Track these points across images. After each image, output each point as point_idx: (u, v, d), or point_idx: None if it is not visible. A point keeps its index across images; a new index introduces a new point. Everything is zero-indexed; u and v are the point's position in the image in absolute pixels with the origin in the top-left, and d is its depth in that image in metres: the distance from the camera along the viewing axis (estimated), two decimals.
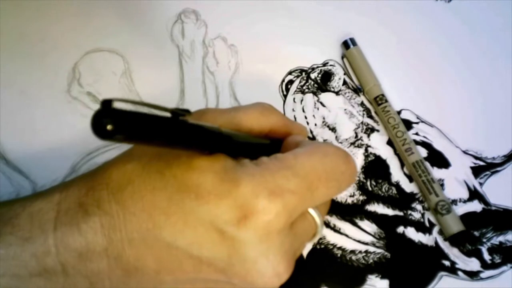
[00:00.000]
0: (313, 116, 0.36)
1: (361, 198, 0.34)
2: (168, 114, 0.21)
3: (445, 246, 0.32)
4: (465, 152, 0.35)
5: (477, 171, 0.34)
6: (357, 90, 0.37)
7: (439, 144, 0.35)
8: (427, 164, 0.34)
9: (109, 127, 0.17)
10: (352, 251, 0.32)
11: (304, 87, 0.37)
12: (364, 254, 0.32)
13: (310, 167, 0.25)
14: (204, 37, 0.39)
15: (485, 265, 0.32)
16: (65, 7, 0.39)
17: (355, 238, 0.33)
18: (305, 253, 0.32)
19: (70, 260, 0.24)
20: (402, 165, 0.34)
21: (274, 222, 0.23)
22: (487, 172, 0.34)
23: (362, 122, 0.36)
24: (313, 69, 0.37)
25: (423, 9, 0.39)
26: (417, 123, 0.36)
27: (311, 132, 0.36)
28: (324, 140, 0.35)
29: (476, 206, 0.33)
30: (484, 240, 0.32)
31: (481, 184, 0.34)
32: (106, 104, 0.18)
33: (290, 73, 0.37)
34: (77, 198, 0.24)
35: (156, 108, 0.21)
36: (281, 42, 0.38)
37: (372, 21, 0.39)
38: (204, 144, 0.23)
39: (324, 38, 0.38)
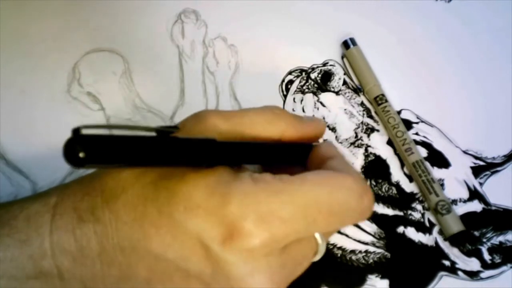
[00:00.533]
0: (313, 116, 0.36)
1: None
2: (153, 134, 0.21)
3: (445, 246, 0.32)
4: (465, 152, 0.35)
5: (477, 171, 0.34)
6: (357, 90, 0.37)
7: (439, 144, 0.35)
8: (427, 164, 0.34)
9: (81, 154, 0.17)
10: (352, 251, 0.32)
11: (304, 87, 0.37)
12: (364, 254, 0.32)
13: (313, 198, 0.23)
14: (204, 37, 0.39)
15: (485, 265, 0.32)
16: (65, 7, 0.39)
17: (355, 238, 0.33)
18: None
19: (65, 263, 0.24)
20: (402, 165, 0.34)
21: (258, 248, 0.22)
22: (487, 172, 0.34)
23: (362, 122, 0.36)
24: (313, 69, 0.37)
25: (423, 9, 0.39)
26: (417, 123, 0.36)
27: None
28: (324, 141, 0.35)
29: (476, 206, 0.33)
30: (484, 240, 0.32)
31: (481, 184, 0.34)
32: (76, 131, 0.18)
33: (290, 73, 0.37)
34: (73, 203, 0.24)
35: (140, 130, 0.20)
36: (281, 42, 0.38)
37: (372, 21, 0.39)
38: (196, 159, 0.22)
39: (324, 38, 0.38)
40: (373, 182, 0.34)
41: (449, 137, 0.35)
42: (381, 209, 0.33)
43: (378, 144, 0.35)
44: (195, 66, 0.38)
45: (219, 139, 0.23)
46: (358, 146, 0.35)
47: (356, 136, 0.35)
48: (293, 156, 0.28)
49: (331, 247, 0.32)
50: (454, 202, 0.33)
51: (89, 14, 0.39)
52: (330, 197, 0.24)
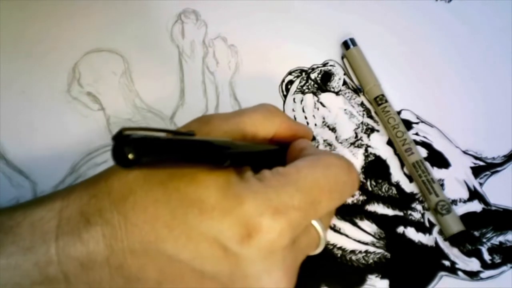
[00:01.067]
0: (313, 116, 0.36)
1: (361, 198, 0.34)
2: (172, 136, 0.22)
3: (445, 246, 0.32)
4: (465, 152, 0.35)
5: (477, 171, 0.34)
6: (357, 90, 0.37)
7: (439, 144, 0.35)
8: (427, 164, 0.34)
9: (130, 156, 0.18)
10: (352, 251, 0.32)
11: (304, 87, 0.37)
12: (364, 254, 0.32)
13: (313, 181, 0.25)
14: (204, 37, 0.39)
15: (485, 265, 0.32)
16: (65, 7, 0.39)
17: (355, 238, 0.33)
18: None
19: (72, 269, 0.23)
20: (402, 165, 0.34)
21: (278, 241, 0.23)
22: (487, 172, 0.34)
23: (362, 122, 0.36)
24: (313, 69, 0.37)
25: (423, 9, 0.39)
26: (417, 123, 0.36)
27: None
28: (324, 141, 0.35)
29: (476, 206, 0.33)
30: (484, 240, 0.32)
31: (481, 184, 0.34)
32: (123, 133, 0.18)
33: (290, 73, 0.37)
34: (79, 207, 0.24)
35: (161, 131, 0.21)
36: (281, 42, 0.38)
37: (372, 21, 0.39)
38: (214, 159, 0.23)
39: (324, 38, 0.38)
40: (373, 182, 0.34)
41: (449, 137, 0.35)
42: (381, 209, 0.33)
43: (378, 144, 0.35)
44: (195, 66, 0.38)
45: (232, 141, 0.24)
46: (358, 146, 0.35)
47: (356, 136, 0.35)
48: (280, 155, 0.29)
49: (331, 247, 0.33)
50: (454, 202, 0.33)
51: (89, 14, 0.39)
52: (325, 176, 0.25)
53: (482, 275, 0.32)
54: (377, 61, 0.37)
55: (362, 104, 0.36)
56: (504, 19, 0.39)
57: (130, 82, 0.37)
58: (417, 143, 0.35)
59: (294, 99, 0.37)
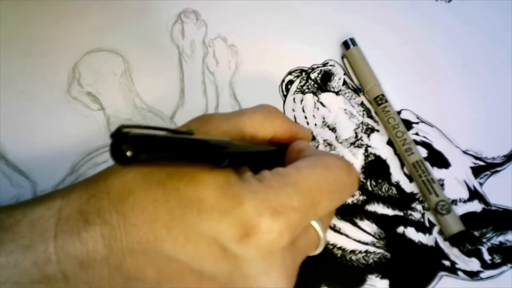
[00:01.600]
0: (313, 116, 0.36)
1: (361, 198, 0.34)
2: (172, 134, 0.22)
3: (445, 246, 0.32)
4: (465, 152, 0.35)
5: (477, 171, 0.34)
6: (357, 90, 0.37)
7: (439, 144, 0.35)
8: (427, 164, 0.34)
9: (128, 153, 0.18)
10: (352, 251, 0.32)
11: (304, 87, 0.37)
12: (364, 254, 0.32)
13: (313, 182, 0.25)
14: (204, 37, 0.39)
15: (485, 265, 0.32)
16: (65, 7, 0.39)
17: (355, 238, 0.33)
18: None
19: (71, 268, 0.24)
20: (402, 165, 0.34)
21: (277, 241, 0.23)
22: (487, 172, 0.34)
23: (362, 122, 0.36)
24: (313, 69, 0.37)
25: (423, 9, 0.39)
26: (417, 123, 0.36)
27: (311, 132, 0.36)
28: (324, 140, 0.35)
29: (476, 206, 0.33)
30: (484, 240, 0.32)
31: (481, 184, 0.34)
32: (121, 130, 0.18)
33: (290, 73, 0.37)
34: (78, 206, 0.24)
35: (160, 130, 0.21)
36: (281, 42, 0.38)
37: (372, 21, 0.39)
38: (212, 158, 0.23)
39: (324, 38, 0.38)
40: (373, 182, 0.34)
41: (449, 137, 0.35)
42: (381, 209, 0.33)
43: (378, 144, 0.35)
44: (195, 66, 0.38)
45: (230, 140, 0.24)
46: (358, 146, 0.35)
47: (356, 136, 0.35)
48: (279, 156, 0.29)
49: (331, 247, 0.33)
50: (454, 202, 0.33)
51: (89, 14, 0.39)
52: (326, 177, 0.25)
53: (482, 275, 0.32)
54: (377, 61, 0.37)
55: (362, 104, 0.36)
56: (504, 19, 0.39)
57: (130, 82, 0.37)
58: (417, 143, 0.35)
59: (294, 99, 0.37)
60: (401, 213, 0.33)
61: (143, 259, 0.23)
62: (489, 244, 0.32)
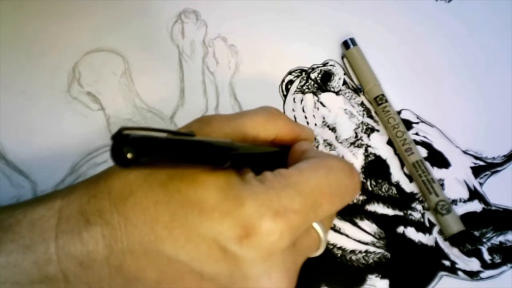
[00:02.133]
0: (313, 116, 0.36)
1: (361, 198, 0.34)
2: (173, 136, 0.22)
3: (445, 246, 0.32)
4: (465, 152, 0.35)
5: (477, 171, 0.34)
6: (357, 90, 0.37)
7: (439, 144, 0.35)
8: (427, 164, 0.34)
9: (129, 155, 0.18)
10: (352, 251, 0.32)
11: (304, 87, 0.37)
12: (364, 254, 0.32)
13: (315, 184, 0.24)
14: (204, 37, 0.39)
15: (485, 265, 0.32)
16: (65, 7, 0.39)
17: (355, 238, 0.33)
18: None
19: (71, 268, 0.23)
20: (402, 165, 0.34)
21: (277, 242, 0.23)
22: (487, 172, 0.34)
23: (362, 122, 0.36)
24: (313, 69, 0.37)
25: (423, 9, 0.39)
26: (417, 123, 0.36)
27: None
28: (324, 140, 0.35)
29: (476, 206, 0.33)
30: (484, 240, 0.32)
31: (481, 184, 0.34)
32: (122, 132, 0.18)
33: (290, 73, 0.37)
34: (79, 206, 0.24)
35: (161, 132, 0.21)
36: (281, 42, 0.38)
37: (372, 21, 0.39)
38: (214, 159, 0.23)
39: (324, 38, 0.38)
40: (373, 182, 0.34)
41: (449, 137, 0.35)
42: (381, 209, 0.33)
43: (378, 144, 0.35)
44: (195, 66, 0.38)
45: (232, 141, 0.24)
46: (358, 146, 0.35)
47: (356, 136, 0.35)
48: (282, 157, 0.29)
49: (331, 247, 0.33)
50: (454, 202, 0.33)
51: (89, 14, 0.39)
52: (327, 179, 0.25)
53: (482, 275, 0.32)
54: (377, 61, 0.37)
55: (362, 104, 0.36)
56: (504, 19, 0.39)
57: (130, 82, 0.37)
58: (417, 143, 0.35)
59: (294, 99, 0.37)
60: (401, 213, 0.33)
61: (144, 259, 0.23)
62: (489, 244, 0.32)
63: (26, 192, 0.34)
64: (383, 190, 0.34)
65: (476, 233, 0.32)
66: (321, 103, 0.36)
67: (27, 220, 0.24)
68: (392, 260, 0.32)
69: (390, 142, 0.35)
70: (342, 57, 0.38)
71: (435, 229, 0.33)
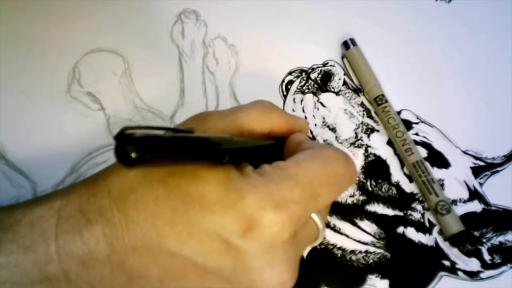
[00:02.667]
0: (313, 116, 0.36)
1: (361, 198, 0.34)
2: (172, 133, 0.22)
3: (445, 246, 0.32)
4: (465, 152, 0.35)
5: (477, 171, 0.34)
6: (357, 90, 0.37)
7: (439, 144, 0.35)
8: (427, 164, 0.34)
9: (133, 154, 0.18)
10: (352, 251, 0.32)
11: (304, 87, 0.37)
12: (364, 254, 0.32)
13: (313, 174, 0.25)
14: (204, 37, 0.39)
15: (485, 265, 0.32)
16: (65, 7, 0.39)
17: (355, 238, 0.33)
18: (305, 253, 0.32)
19: (72, 267, 0.23)
20: (402, 165, 0.34)
21: (279, 234, 0.23)
22: (487, 172, 0.34)
23: (362, 122, 0.36)
24: (313, 69, 0.37)
25: (423, 9, 0.39)
26: (417, 123, 0.36)
27: (311, 132, 0.36)
28: (324, 141, 0.35)
29: (476, 206, 0.33)
30: (484, 240, 0.32)
31: (481, 184, 0.34)
32: (125, 132, 0.18)
33: (290, 73, 0.37)
34: (78, 205, 0.24)
35: (161, 130, 0.21)
36: (281, 42, 0.38)
37: (372, 21, 0.39)
38: (214, 155, 0.23)
39: (324, 38, 0.38)
40: (373, 182, 0.34)
41: (449, 137, 0.35)
42: (381, 209, 0.33)
43: (378, 145, 0.35)
44: (195, 66, 0.38)
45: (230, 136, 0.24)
46: (358, 147, 0.35)
47: (356, 137, 0.35)
48: (278, 149, 0.29)
49: (331, 247, 0.33)
50: (454, 202, 0.33)
51: (90, 14, 0.39)
52: (324, 169, 0.25)
53: (482, 275, 0.32)
54: (377, 61, 0.37)
55: (362, 104, 0.36)
56: (504, 19, 0.39)
57: (130, 82, 0.37)
58: (417, 143, 0.35)
59: (294, 99, 0.37)
60: (401, 213, 0.33)
61: (146, 256, 0.23)
62: (489, 244, 0.32)
63: (26, 192, 0.34)
64: (383, 190, 0.34)
65: (476, 233, 0.32)
66: (321, 103, 0.36)
67: (27, 220, 0.24)
68: (392, 260, 0.32)
69: (390, 142, 0.35)
70: (342, 57, 0.38)
71: (435, 229, 0.33)
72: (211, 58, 0.38)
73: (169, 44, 0.38)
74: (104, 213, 0.24)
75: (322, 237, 0.27)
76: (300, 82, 0.37)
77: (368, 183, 0.34)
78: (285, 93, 0.37)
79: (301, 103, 0.36)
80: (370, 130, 0.36)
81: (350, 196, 0.34)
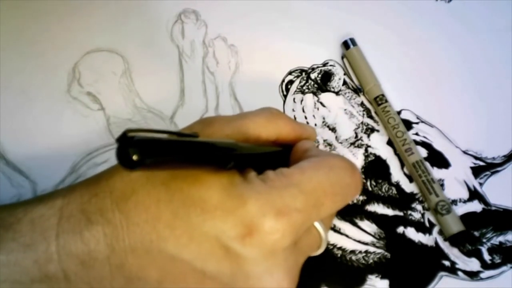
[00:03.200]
0: (313, 116, 0.36)
1: (361, 198, 0.34)
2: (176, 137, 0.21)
3: (445, 246, 0.32)
4: (465, 152, 0.35)
5: (477, 171, 0.34)
6: (357, 90, 0.37)
7: (439, 144, 0.35)
8: (427, 164, 0.34)
9: (135, 157, 0.18)
10: (352, 251, 0.32)
11: (304, 87, 0.37)
12: (364, 254, 0.32)
13: (317, 183, 0.24)
14: (204, 37, 0.39)
15: (485, 265, 0.32)
16: (64, 7, 0.39)
17: (355, 238, 0.33)
18: None
19: (72, 267, 0.23)
20: (402, 165, 0.34)
21: (280, 242, 0.23)
22: (487, 172, 0.34)
23: (362, 122, 0.36)
24: (313, 69, 0.37)
25: (423, 9, 0.39)
26: (417, 123, 0.36)
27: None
28: (324, 141, 0.35)
29: (476, 206, 0.33)
30: (484, 240, 0.32)
31: (481, 184, 0.34)
32: (127, 134, 0.18)
33: (290, 73, 0.37)
34: (80, 205, 0.24)
35: (165, 133, 0.21)
36: (281, 42, 0.38)
37: (372, 21, 0.39)
38: (218, 160, 0.23)
39: (324, 38, 0.38)
40: (373, 182, 0.34)
41: (449, 137, 0.35)
42: (381, 209, 0.33)
43: (378, 144, 0.35)
44: (195, 66, 0.38)
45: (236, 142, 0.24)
46: (358, 146, 0.35)
47: (356, 136, 0.35)
48: (284, 157, 0.29)
49: (331, 247, 0.33)
50: (454, 202, 0.33)
51: (89, 14, 0.39)
52: (329, 178, 0.25)
53: (482, 275, 0.32)
54: (377, 61, 0.37)
55: (362, 104, 0.36)
56: (504, 19, 0.39)
57: (130, 82, 0.37)
58: (417, 143, 0.35)
59: (294, 99, 0.37)
60: (401, 213, 0.33)
61: (146, 258, 0.23)
62: (489, 244, 0.32)
63: (26, 192, 0.34)
64: (383, 190, 0.34)
65: (476, 233, 0.32)
66: (321, 103, 0.36)
67: (28, 219, 0.24)
68: (392, 260, 0.32)
69: (390, 142, 0.35)
70: (342, 57, 0.38)
71: (435, 229, 0.33)
72: (211, 58, 0.38)
73: (169, 44, 0.38)
74: (105, 213, 0.24)
75: (325, 246, 0.27)
76: (300, 82, 0.37)
77: (368, 183, 0.34)
78: (285, 93, 0.37)
79: (301, 103, 0.36)
80: (370, 130, 0.36)
81: None
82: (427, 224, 0.33)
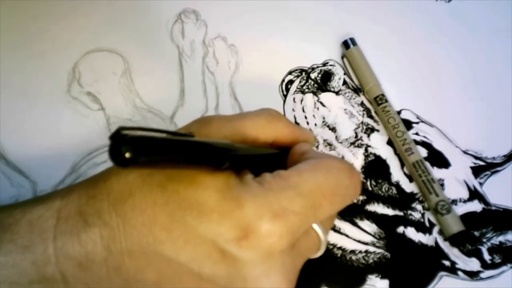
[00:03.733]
0: (313, 116, 0.36)
1: (361, 198, 0.34)
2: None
3: (445, 246, 0.32)
4: (465, 152, 0.35)
5: (477, 171, 0.34)
6: (357, 90, 0.37)
7: (439, 144, 0.35)
8: (427, 164, 0.34)
9: (127, 154, 0.17)
10: (352, 251, 0.32)
11: (304, 87, 0.37)
12: (364, 254, 0.32)
13: (314, 185, 0.24)
14: (204, 37, 0.39)
15: (485, 265, 0.32)
16: (65, 7, 0.39)
17: (355, 238, 0.33)
18: None
19: (70, 269, 0.23)
20: (402, 165, 0.34)
21: (276, 244, 0.23)
22: (487, 172, 0.34)
23: (362, 122, 0.36)
24: (313, 69, 0.37)
25: (423, 9, 0.39)
26: (417, 123, 0.36)
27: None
28: (324, 140, 0.35)
29: (476, 206, 0.33)
30: (484, 240, 0.32)
31: (481, 184, 0.34)
32: (120, 132, 0.18)
33: (290, 73, 0.37)
34: (77, 207, 0.24)
35: (160, 132, 0.21)
36: (281, 42, 0.38)
37: (372, 21, 0.39)
38: (213, 160, 0.23)
39: (324, 38, 0.38)
40: (373, 182, 0.34)
41: (449, 137, 0.35)
42: (381, 209, 0.33)
43: (378, 144, 0.35)
44: (195, 66, 0.38)
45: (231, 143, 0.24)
46: (358, 146, 0.35)
47: (356, 136, 0.35)
48: (281, 159, 0.29)
49: (331, 247, 0.33)
50: (454, 202, 0.33)
51: (89, 14, 0.39)
52: (327, 180, 0.25)
53: (482, 275, 0.32)
54: (377, 61, 0.37)
55: (362, 104, 0.36)
56: (504, 19, 0.39)
57: (130, 82, 0.37)
58: (417, 143, 0.35)
59: (294, 98, 0.37)
60: (401, 213, 0.33)
61: (142, 260, 0.23)
62: (489, 244, 0.32)
63: (26, 192, 0.34)
64: (383, 190, 0.34)
65: (476, 233, 0.32)
66: (321, 103, 0.36)
67: (26, 220, 0.24)
68: (392, 260, 0.32)
69: (390, 142, 0.35)
70: (342, 57, 0.38)
71: (435, 229, 0.33)
72: (211, 58, 0.38)
73: (169, 44, 0.38)
74: (102, 215, 0.24)
75: (324, 249, 0.27)
76: (300, 82, 0.37)
77: (368, 183, 0.34)
78: (285, 92, 0.37)
79: (301, 103, 0.36)
80: (370, 130, 0.36)
81: None
82: (427, 224, 0.33)
